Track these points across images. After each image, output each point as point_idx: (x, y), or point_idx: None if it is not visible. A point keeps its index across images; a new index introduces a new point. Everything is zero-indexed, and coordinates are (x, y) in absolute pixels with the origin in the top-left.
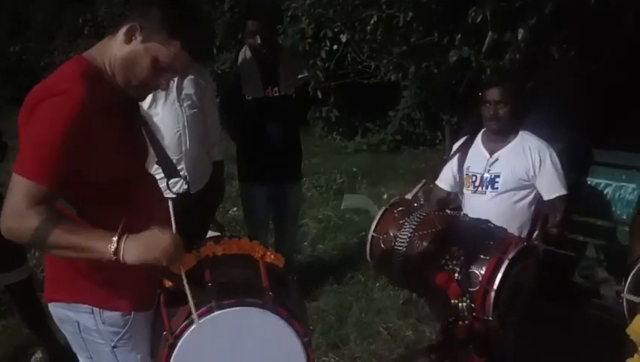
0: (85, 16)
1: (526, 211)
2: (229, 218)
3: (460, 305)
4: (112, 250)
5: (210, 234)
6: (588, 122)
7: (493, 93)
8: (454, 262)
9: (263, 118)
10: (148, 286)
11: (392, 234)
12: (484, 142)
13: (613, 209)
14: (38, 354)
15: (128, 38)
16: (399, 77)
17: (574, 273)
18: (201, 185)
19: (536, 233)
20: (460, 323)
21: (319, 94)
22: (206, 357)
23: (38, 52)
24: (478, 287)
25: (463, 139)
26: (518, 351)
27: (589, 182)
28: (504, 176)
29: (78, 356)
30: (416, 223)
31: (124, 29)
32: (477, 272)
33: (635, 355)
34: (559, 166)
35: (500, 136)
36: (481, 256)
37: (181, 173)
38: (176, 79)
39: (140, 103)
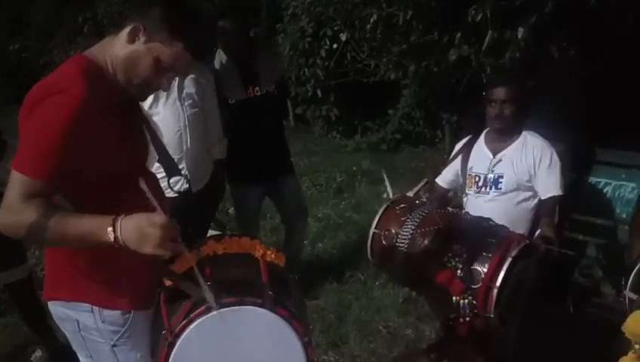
0: (85, 14)
1: (529, 212)
2: (230, 217)
3: (461, 302)
4: (111, 233)
5: (210, 233)
6: (588, 121)
7: (500, 93)
8: (457, 260)
9: (248, 119)
10: (148, 285)
11: (393, 231)
12: (487, 143)
13: (613, 208)
14: (38, 353)
15: (131, 38)
16: (399, 76)
17: (574, 272)
18: (202, 184)
19: (537, 232)
20: (461, 320)
21: (319, 93)
22: (205, 355)
23: (37, 51)
24: (480, 285)
25: (466, 138)
26: (518, 350)
27: (589, 181)
28: (507, 177)
29: (78, 355)
30: (418, 220)
31: (127, 29)
32: (479, 269)
33: (630, 353)
34: (559, 167)
35: (504, 136)
36: (484, 254)
37: (182, 172)
38: (177, 78)
39: (140, 103)
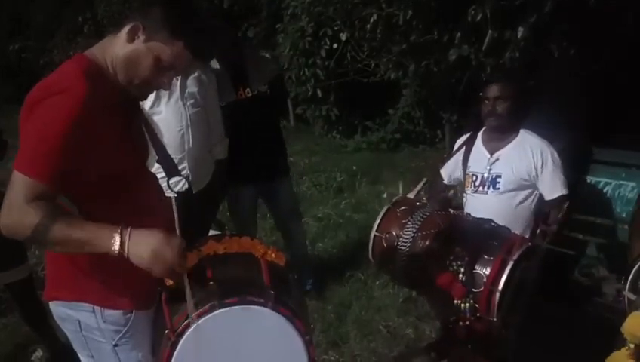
0: (85, 14)
1: (527, 211)
2: (229, 217)
3: (462, 305)
4: (117, 244)
5: (211, 233)
6: (588, 121)
7: (492, 90)
8: (458, 263)
9: (240, 121)
10: (149, 285)
11: (394, 233)
12: (485, 142)
13: (613, 207)
14: (39, 353)
15: (131, 38)
16: (399, 75)
17: (574, 271)
18: (203, 183)
19: (538, 232)
20: (461, 323)
21: (319, 93)
22: (207, 355)
23: (37, 50)
24: (482, 288)
25: (467, 135)
26: (518, 351)
27: (588, 181)
28: (505, 176)
29: (79, 354)
30: (419, 223)
31: (126, 28)
32: (481, 273)
33: (623, 349)
34: (560, 165)
35: (500, 134)
36: (485, 257)
37: (183, 172)
38: (179, 77)
39: (141, 102)
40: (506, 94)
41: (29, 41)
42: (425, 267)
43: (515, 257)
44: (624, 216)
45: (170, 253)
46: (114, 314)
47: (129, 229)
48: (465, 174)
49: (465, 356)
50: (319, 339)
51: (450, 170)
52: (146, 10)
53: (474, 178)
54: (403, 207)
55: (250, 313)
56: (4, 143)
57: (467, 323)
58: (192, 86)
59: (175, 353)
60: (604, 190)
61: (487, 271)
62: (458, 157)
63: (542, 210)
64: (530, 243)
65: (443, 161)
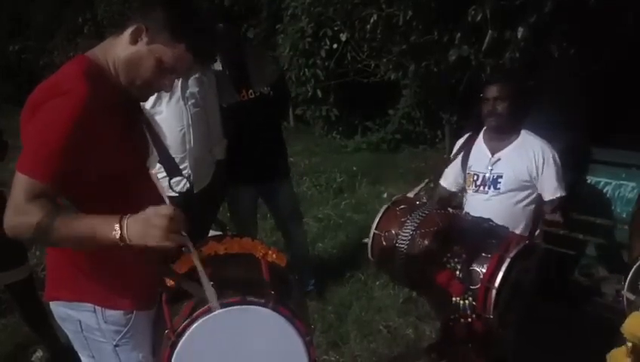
0: (85, 15)
1: (527, 211)
2: (229, 217)
3: (461, 303)
4: (117, 230)
5: (211, 233)
6: (588, 121)
7: (492, 90)
8: (456, 260)
9: (242, 123)
10: (150, 285)
11: (393, 232)
12: (486, 141)
13: (613, 207)
14: (39, 353)
15: (134, 39)
16: (399, 76)
17: (574, 271)
18: (204, 184)
19: (537, 232)
20: (462, 321)
21: (319, 93)
22: (208, 355)
23: (37, 51)
24: (479, 285)
25: (466, 136)
26: (516, 351)
27: (588, 181)
28: (506, 177)
29: (80, 354)
30: (418, 221)
31: (129, 30)
32: (478, 270)
33: (623, 346)
34: (560, 167)
35: (501, 135)
36: (483, 254)
37: (184, 172)
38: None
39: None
40: (506, 94)
41: (29, 41)
42: (423, 265)
43: (511, 254)
44: (624, 216)
45: (162, 216)
46: (115, 314)
47: (127, 216)
48: (465, 174)
49: (465, 355)
50: (319, 340)
51: (453, 178)
52: (147, 11)
53: (475, 177)
54: (402, 206)
55: (251, 313)
56: (4, 144)
57: (469, 320)
58: (193, 86)
59: (175, 353)
60: (604, 190)
61: (484, 268)
62: (456, 164)
63: (541, 210)
64: (528, 242)
65: (442, 169)
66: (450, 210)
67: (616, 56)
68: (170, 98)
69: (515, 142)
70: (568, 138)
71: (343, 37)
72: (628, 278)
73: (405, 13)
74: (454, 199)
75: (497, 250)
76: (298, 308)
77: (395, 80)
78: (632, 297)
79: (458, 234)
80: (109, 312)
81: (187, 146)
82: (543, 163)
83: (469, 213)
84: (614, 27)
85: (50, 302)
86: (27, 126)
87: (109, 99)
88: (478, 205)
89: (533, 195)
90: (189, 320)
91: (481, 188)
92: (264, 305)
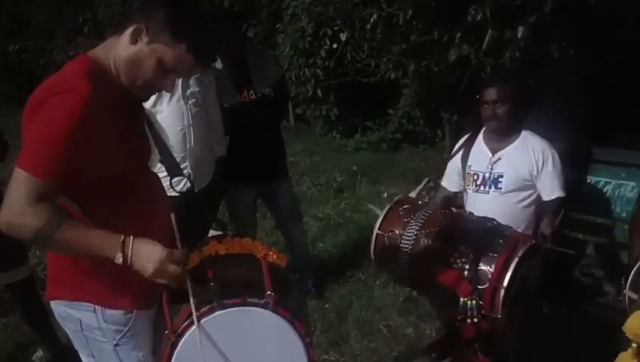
0: (85, 15)
1: (528, 211)
2: (229, 217)
3: (469, 303)
4: (120, 258)
5: (212, 233)
6: (588, 121)
7: (490, 93)
8: (463, 260)
9: (242, 123)
10: (150, 285)
11: (397, 232)
12: (486, 141)
13: (613, 207)
14: (39, 353)
15: (134, 39)
16: (399, 75)
17: (574, 271)
18: (204, 183)
19: (538, 233)
20: (469, 321)
21: (319, 93)
22: (207, 356)
23: (37, 51)
24: (487, 285)
25: (466, 136)
26: (518, 351)
27: (588, 180)
28: (507, 176)
29: (80, 354)
30: (421, 221)
31: (130, 30)
32: (486, 270)
33: (629, 350)
34: (560, 167)
35: (502, 135)
36: (490, 254)
37: (185, 172)
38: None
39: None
40: (504, 97)
41: (29, 41)
42: (428, 265)
43: (519, 254)
44: (624, 215)
45: (172, 268)
46: (115, 313)
47: (132, 240)
48: (465, 173)
49: (469, 355)
50: (320, 339)
51: (454, 178)
52: (148, 11)
53: (475, 177)
54: (405, 206)
55: (251, 314)
56: (5, 144)
57: (475, 320)
58: (193, 85)
59: (175, 353)
60: (604, 190)
61: (492, 268)
62: (456, 164)
63: (542, 210)
64: (534, 241)
65: (440, 170)
66: (454, 209)
67: (616, 56)
68: (171, 97)
69: (516, 142)
70: (568, 138)
71: (343, 36)
72: (630, 277)
73: (405, 13)
74: (457, 199)
75: (504, 250)
76: (298, 308)
77: (395, 79)
78: (634, 296)
79: (463, 234)
80: (110, 312)
81: (187, 146)
82: (543, 162)
83: (472, 213)
84: (614, 27)
85: (51, 301)
86: (29, 125)
87: (110, 99)
88: (479, 205)
89: (535, 195)
90: (189, 320)
91: (482, 187)
92: (264, 307)
